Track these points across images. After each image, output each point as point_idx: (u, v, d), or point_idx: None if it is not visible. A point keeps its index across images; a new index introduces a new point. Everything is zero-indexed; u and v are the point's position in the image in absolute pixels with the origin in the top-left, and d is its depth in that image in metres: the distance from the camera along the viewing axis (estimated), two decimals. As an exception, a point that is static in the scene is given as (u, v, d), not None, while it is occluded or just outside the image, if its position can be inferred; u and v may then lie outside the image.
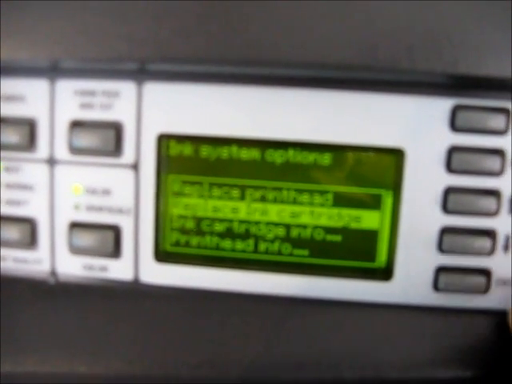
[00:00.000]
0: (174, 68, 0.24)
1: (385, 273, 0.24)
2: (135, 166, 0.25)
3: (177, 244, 0.25)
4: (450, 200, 0.23)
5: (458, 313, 0.24)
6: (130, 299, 0.25)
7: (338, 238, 0.24)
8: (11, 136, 0.25)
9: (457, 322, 0.23)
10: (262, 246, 0.25)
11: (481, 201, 0.23)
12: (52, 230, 0.25)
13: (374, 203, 0.24)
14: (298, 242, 0.25)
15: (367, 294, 0.25)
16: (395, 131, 0.23)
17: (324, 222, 0.24)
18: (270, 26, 0.22)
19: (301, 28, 0.22)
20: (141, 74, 0.24)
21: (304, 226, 0.24)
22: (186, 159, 0.24)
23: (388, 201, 0.24)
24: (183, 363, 0.24)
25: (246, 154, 0.24)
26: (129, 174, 0.25)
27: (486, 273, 0.24)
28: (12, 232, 0.25)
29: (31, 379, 0.24)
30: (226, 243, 0.25)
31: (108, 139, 0.24)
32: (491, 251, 0.24)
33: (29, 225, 0.25)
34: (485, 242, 0.23)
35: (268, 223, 0.25)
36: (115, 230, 0.25)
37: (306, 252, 0.25)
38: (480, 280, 0.24)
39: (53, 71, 0.24)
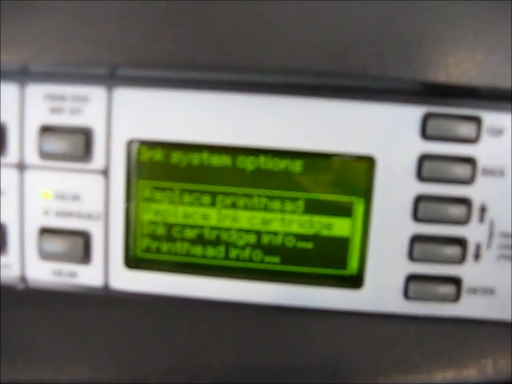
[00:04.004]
0: (144, 73, 0.24)
1: (356, 280, 0.24)
2: (105, 172, 0.24)
3: (147, 250, 0.25)
4: (420, 208, 0.23)
5: (429, 321, 0.24)
6: (99, 305, 0.25)
7: (309, 245, 0.24)
8: (-20, 141, 0.24)
9: (427, 331, 0.23)
10: (233, 253, 0.25)
11: (451, 209, 0.23)
12: (21, 236, 0.25)
13: (346, 210, 0.24)
14: (268, 249, 0.24)
15: (338, 301, 0.24)
16: (366, 139, 0.23)
17: (295, 229, 0.24)
18: (239, 31, 0.22)
19: (270, 33, 0.22)
20: (111, 79, 0.24)
21: (275, 233, 0.24)
22: (156, 165, 0.24)
23: (359, 208, 0.24)
24: (152, 370, 0.24)
25: (217, 160, 0.24)
26: (99, 180, 0.24)
27: (456, 281, 0.24)
28: (-19, 237, 0.25)
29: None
30: (197, 250, 0.25)
31: (77, 144, 0.24)
32: (462, 260, 0.23)
33: (-2, 230, 0.25)
34: (455, 251, 0.23)
35: (239, 230, 0.24)
36: (85, 236, 0.25)
37: (277, 259, 0.24)
38: (450, 288, 0.24)
39: (23, 75, 0.24)
